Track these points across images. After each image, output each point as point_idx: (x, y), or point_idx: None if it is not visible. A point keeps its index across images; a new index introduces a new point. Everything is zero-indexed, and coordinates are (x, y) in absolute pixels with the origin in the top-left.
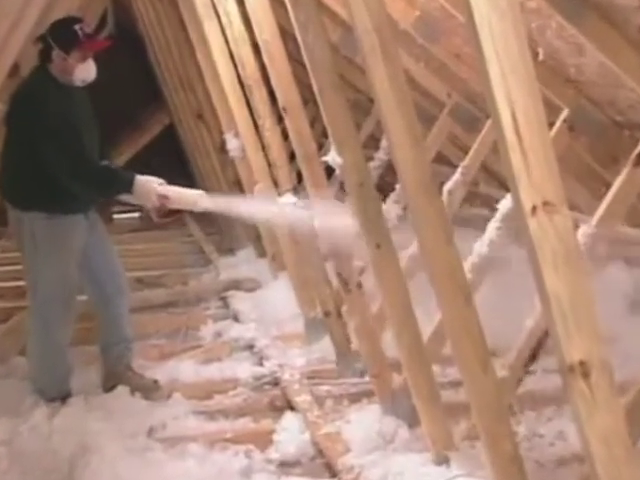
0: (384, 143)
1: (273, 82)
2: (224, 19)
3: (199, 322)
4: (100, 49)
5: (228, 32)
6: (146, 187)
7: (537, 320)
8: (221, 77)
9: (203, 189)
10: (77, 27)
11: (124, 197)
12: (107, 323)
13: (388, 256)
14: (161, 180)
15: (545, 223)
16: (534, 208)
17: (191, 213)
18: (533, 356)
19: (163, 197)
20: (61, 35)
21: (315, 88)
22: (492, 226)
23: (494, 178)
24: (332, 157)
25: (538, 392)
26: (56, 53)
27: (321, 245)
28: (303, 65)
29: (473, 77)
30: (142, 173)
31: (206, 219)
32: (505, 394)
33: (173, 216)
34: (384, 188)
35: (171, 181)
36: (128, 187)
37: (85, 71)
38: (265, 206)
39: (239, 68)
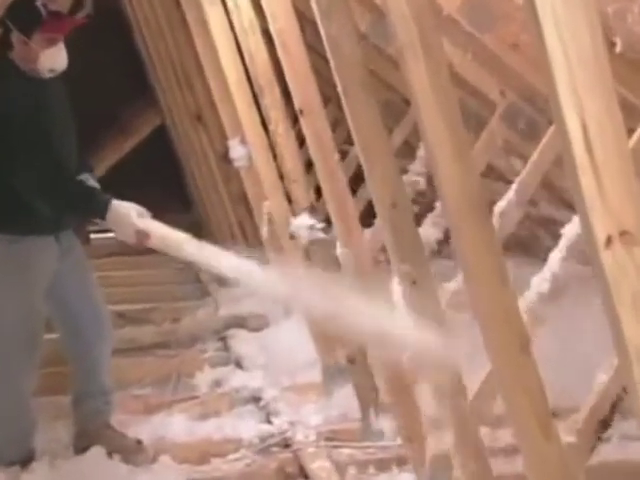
0: (421, 152)
1: (288, 78)
2: (230, 3)
3: (193, 368)
4: (71, 30)
5: (234, 18)
6: (123, 218)
7: (612, 374)
8: (225, 71)
9: (200, 204)
10: (39, 3)
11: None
12: (82, 369)
13: (425, 293)
14: (143, 210)
15: (623, 257)
16: (609, 239)
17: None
18: (607, 419)
19: (142, 234)
20: (20, 14)
21: (339, 86)
22: (555, 257)
23: (558, 197)
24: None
25: (614, 464)
26: (16, 37)
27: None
28: (325, 58)
29: (532, 72)
30: (126, 185)
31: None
32: (572, 465)
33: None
34: (421, 208)
35: (162, 197)
36: (100, 213)
37: (52, 58)
38: (275, 277)
39: (247, 61)
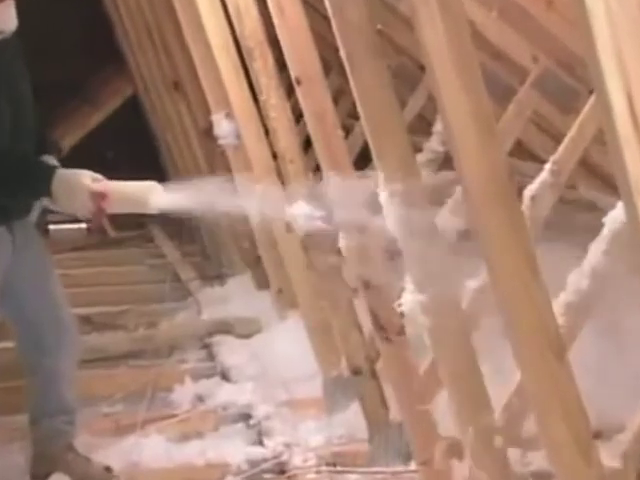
0: (438, 127)
1: (282, 41)
2: None
3: (172, 381)
4: None
5: None
6: (73, 185)
7: None
8: (208, 33)
9: None
10: None
11: (50, 203)
12: (40, 384)
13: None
14: (98, 175)
15: None
16: None
17: (159, 222)
18: None
19: (99, 196)
20: None
21: (342, 51)
22: (596, 249)
23: (599, 178)
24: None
25: None
26: None
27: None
28: (326, 18)
29: (569, 33)
30: (93, 165)
31: (183, 233)
32: None
33: (110, 227)
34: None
35: (134, 179)
36: (43, 185)
37: None
38: (253, 201)
39: (233, 20)
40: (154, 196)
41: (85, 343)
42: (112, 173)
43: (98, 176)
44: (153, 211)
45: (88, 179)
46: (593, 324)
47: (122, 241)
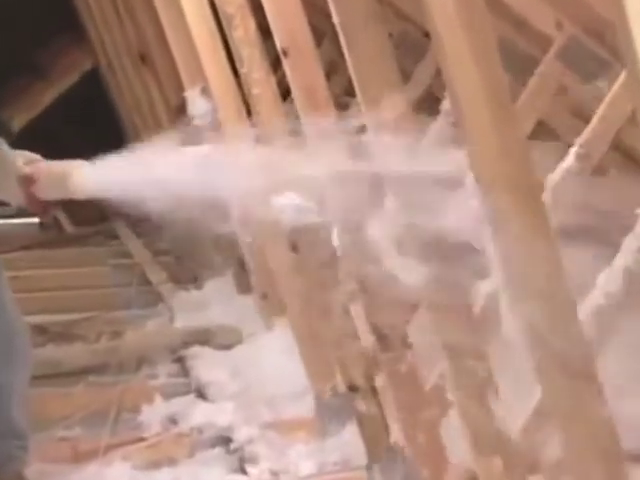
0: (447, 105)
1: (267, 7)
2: None
3: (140, 399)
4: None
5: None
6: (0, 167)
7: None
8: None
9: None
10: None
11: None
12: None
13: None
14: (35, 156)
15: None
16: None
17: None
18: None
19: (28, 180)
20: None
21: (335, 17)
22: (629, 245)
23: (634, 163)
24: None
25: None
26: None
27: None
28: None
29: None
30: (47, 149)
31: (153, 229)
32: None
33: (66, 221)
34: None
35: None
36: None
37: None
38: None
39: None
40: (86, 177)
41: (39, 356)
42: (69, 156)
43: (36, 156)
44: (79, 196)
45: (20, 160)
46: (626, 330)
47: (81, 238)
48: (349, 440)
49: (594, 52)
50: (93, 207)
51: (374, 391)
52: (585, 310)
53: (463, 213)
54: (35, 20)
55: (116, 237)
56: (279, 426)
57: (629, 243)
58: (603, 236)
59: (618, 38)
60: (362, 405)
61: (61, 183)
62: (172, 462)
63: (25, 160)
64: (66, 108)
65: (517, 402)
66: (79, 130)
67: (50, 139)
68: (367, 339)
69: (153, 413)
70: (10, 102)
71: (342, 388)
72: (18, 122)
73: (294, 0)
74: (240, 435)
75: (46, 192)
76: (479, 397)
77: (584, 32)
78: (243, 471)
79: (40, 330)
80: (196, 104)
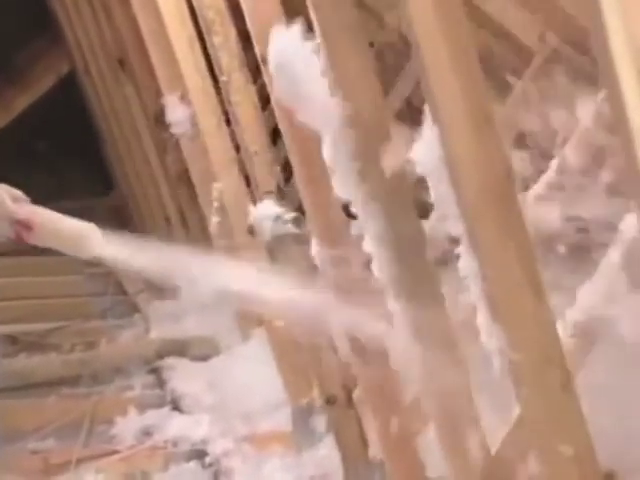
0: (428, 117)
1: (247, 13)
2: None
3: (114, 411)
4: None
5: None
6: None
7: None
8: (159, 0)
9: (125, 184)
10: None
11: None
12: None
13: (432, 310)
14: (17, 192)
15: None
16: None
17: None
18: None
19: (23, 226)
20: None
21: (316, 26)
22: (610, 260)
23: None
24: None
25: None
26: None
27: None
28: None
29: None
30: (19, 158)
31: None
32: None
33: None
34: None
35: (70, 174)
36: None
37: None
38: (224, 270)
39: None
40: (91, 242)
41: (9, 366)
42: (44, 168)
43: (18, 193)
44: (86, 257)
45: (7, 198)
46: (606, 347)
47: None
48: (326, 454)
49: (578, 64)
50: None
51: (351, 403)
52: (564, 326)
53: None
54: (9, 20)
55: None
56: (255, 439)
57: (610, 257)
58: (583, 250)
59: (595, 51)
60: (339, 418)
61: (64, 241)
62: (146, 475)
63: (10, 197)
64: (41, 114)
65: (496, 417)
66: (54, 136)
67: (24, 148)
68: (345, 351)
69: (127, 425)
70: None
71: (319, 401)
72: None
73: (275, 7)
74: (215, 448)
75: (42, 241)
76: (457, 411)
77: (568, 44)
78: None
79: (11, 340)
80: (174, 111)
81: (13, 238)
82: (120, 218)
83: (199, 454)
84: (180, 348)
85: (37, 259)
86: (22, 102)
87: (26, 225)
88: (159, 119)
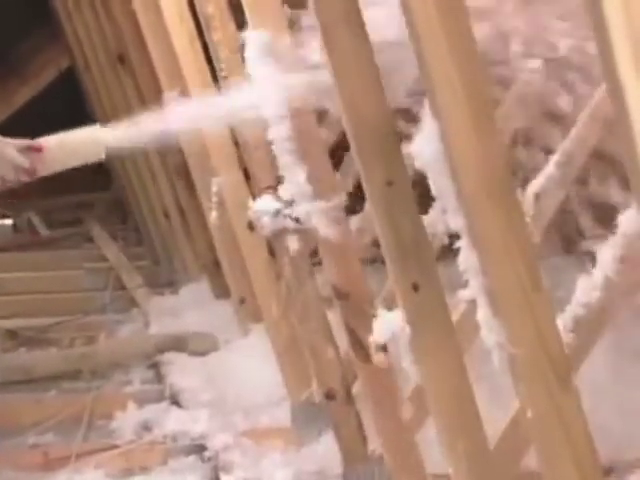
0: (427, 111)
1: (247, 8)
2: None
3: (113, 406)
4: None
5: None
6: None
7: None
8: None
9: (124, 178)
10: None
11: None
12: None
13: (431, 304)
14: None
15: None
16: None
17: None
18: None
19: (34, 150)
20: None
21: (316, 19)
22: (609, 254)
23: (616, 173)
24: None
25: None
26: None
27: None
28: None
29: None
30: None
31: (128, 232)
32: None
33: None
34: (427, 188)
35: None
36: None
37: None
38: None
39: None
40: (101, 140)
41: (9, 361)
42: None
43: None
44: (101, 157)
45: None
46: (606, 343)
47: (55, 241)
48: (325, 449)
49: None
50: (67, 209)
51: (351, 399)
52: (564, 321)
53: None
54: (10, 13)
55: (91, 240)
56: (254, 434)
57: (608, 252)
58: (579, 245)
59: (596, 48)
60: (339, 413)
61: (82, 150)
62: (145, 470)
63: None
64: (41, 107)
65: (495, 412)
66: (54, 129)
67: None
68: (344, 346)
69: (126, 420)
70: None
71: (319, 396)
72: None
73: (275, 1)
74: (215, 443)
75: (54, 161)
76: (456, 406)
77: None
78: None
79: (11, 335)
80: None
81: (25, 172)
82: (119, 213)
83: (198, 449)
84: (179, 343)
85: (37, 254)
86: (23, 95)
87: (37, 148)
88: None
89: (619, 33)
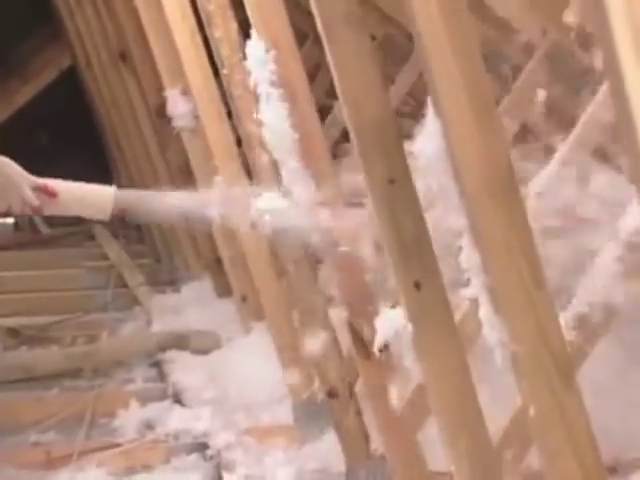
0: (430, 110)
1: (248, 6)
2: None
3: (115, 405)
4: None
5: None
6: (8, 172)
7: None
8: None
9: (126, 178)
10: None
11: None
12: None
13: (433, 302)
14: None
15: None
16: None
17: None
18: None
19: (47, 192)
20: None
21: (318, 19)
22: (609, 254)
23: (618, 170)
24: None
25: None
26: None
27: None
28: None
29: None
30: (21, 150)
31: (130, 230)
32: None
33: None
34: None
35: (71, 167)
36: None
37: None
38: (223, 205)
39: None
40: (112, 199)
41: (11, 360)
42: (46, 160)
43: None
44: (105, 218)
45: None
46: (609, 340)
47: (56, 239)
48: (328, 447)
49: (579, 57)
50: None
51: (353, 397)
52: (565, 318)
53: None
54: (11, 13)
55: (92, 239)
56: (256, 432)
57: (609, 251)
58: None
59: (599, 46)
60: (341, 411)
61: (90, 203)
62: (147, 468)
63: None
64: (43, 107)
65: (497, 410)
66: (55, 129)
67: (26, 140)
68: (346, 345)
69: (129, 418)
70: None
71: (321, 394)
72: None
73: (277, 0)
74: (217, 441)
75: (64, 207)
76: (458, 404)
77: (569, 38)
78: (220, 478)
79: (13, 333)
80: (176, 104)
81: (31, 208)
82: None
83: (200, 447)
84: (181, 341)
85: (38, 252)
86: (24, 95)
87: (50, 192)
88: (160, 112)
89: (619, 21)
